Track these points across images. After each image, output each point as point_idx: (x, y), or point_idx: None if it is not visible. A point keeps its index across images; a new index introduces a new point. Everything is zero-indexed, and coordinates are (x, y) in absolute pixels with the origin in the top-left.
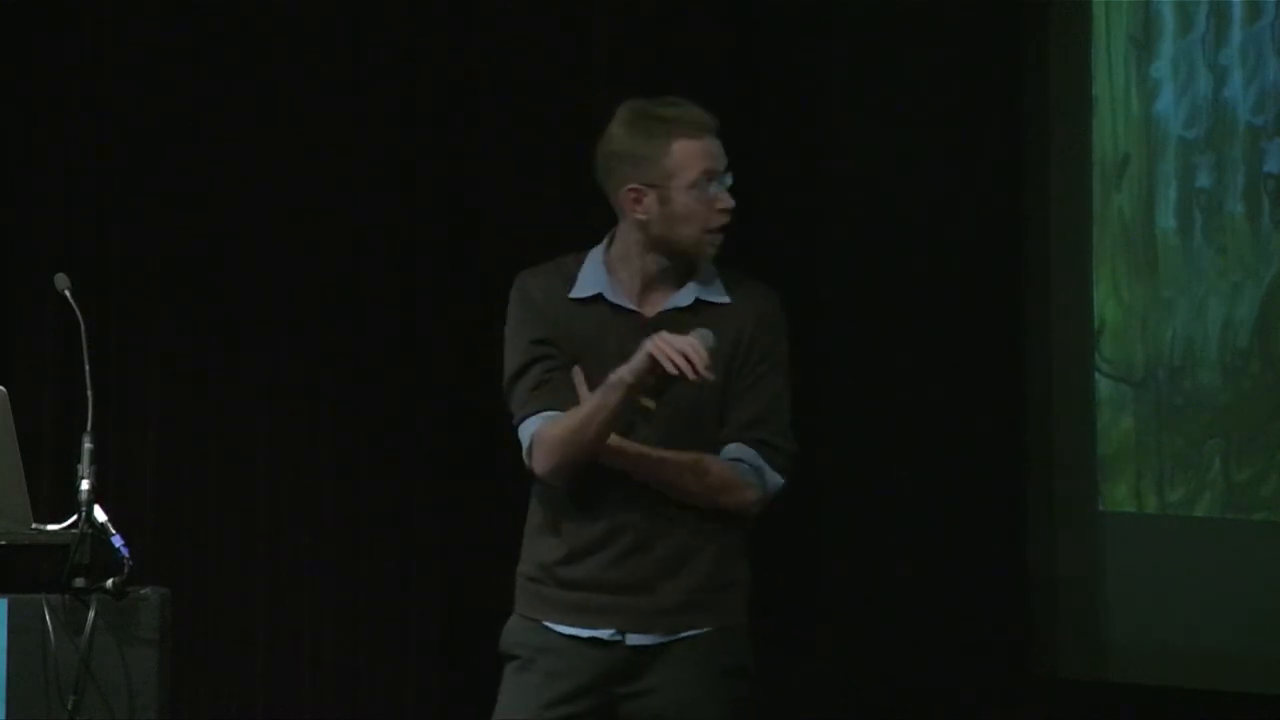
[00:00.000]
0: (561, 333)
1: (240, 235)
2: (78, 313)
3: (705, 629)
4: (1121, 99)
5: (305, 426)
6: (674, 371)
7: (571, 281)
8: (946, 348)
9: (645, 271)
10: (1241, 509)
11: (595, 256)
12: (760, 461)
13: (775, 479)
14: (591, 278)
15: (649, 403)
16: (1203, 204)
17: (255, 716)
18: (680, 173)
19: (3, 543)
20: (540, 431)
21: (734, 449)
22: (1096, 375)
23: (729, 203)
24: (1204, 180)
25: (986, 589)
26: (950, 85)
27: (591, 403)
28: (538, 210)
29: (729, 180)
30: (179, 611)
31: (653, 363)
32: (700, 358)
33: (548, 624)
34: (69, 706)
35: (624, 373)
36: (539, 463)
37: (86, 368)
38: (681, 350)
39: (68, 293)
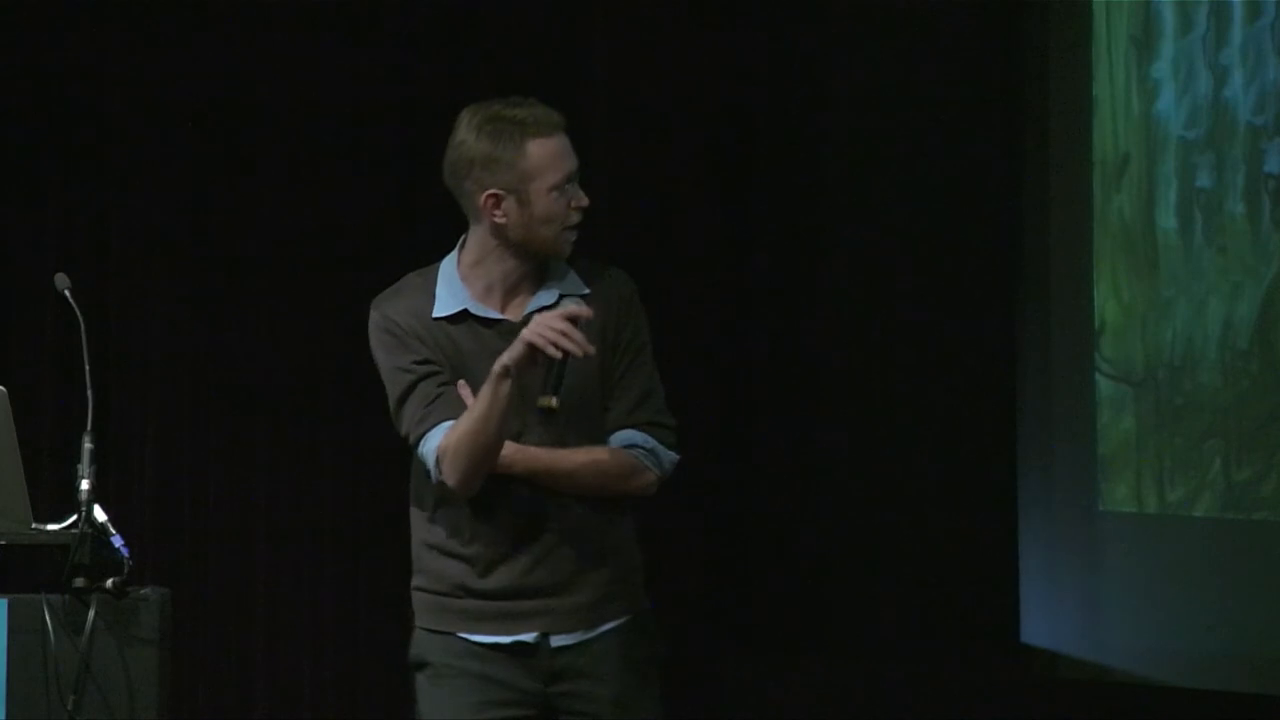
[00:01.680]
0: (437, 352)
1: (240, 235)
2: (78, 313)
3: (622, 618)
4: (1121, 99)
5: (305, 426)
6: (558, 355)
7: (432, 299)
8: (946, 347)
9: (505, 276)
10: (1241, 509)
11: (447, 270)
12: (653, 443)
13: (670, 455)
14: (450, 294)
15: (550, 401)
16: (1203, 204)
17: (255, 717)
18: (539, 175)
19: (3, 543)
20: (445, 442)
21: (626, 435)
22: (1096, 375)
23: (584, 201)
24: (1204, 180)
25: (986, 589)
26: (950, 85)
27: (483, 400)
28: None
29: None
30: (179, 611)
31: (533, 351)
32: (578, 334)
33: (463, 635)
34: (69, 706)
35: (504, 359)
36: (450, 473)
37: (86, 368)
38: (559, 331)
39: (68, 293)
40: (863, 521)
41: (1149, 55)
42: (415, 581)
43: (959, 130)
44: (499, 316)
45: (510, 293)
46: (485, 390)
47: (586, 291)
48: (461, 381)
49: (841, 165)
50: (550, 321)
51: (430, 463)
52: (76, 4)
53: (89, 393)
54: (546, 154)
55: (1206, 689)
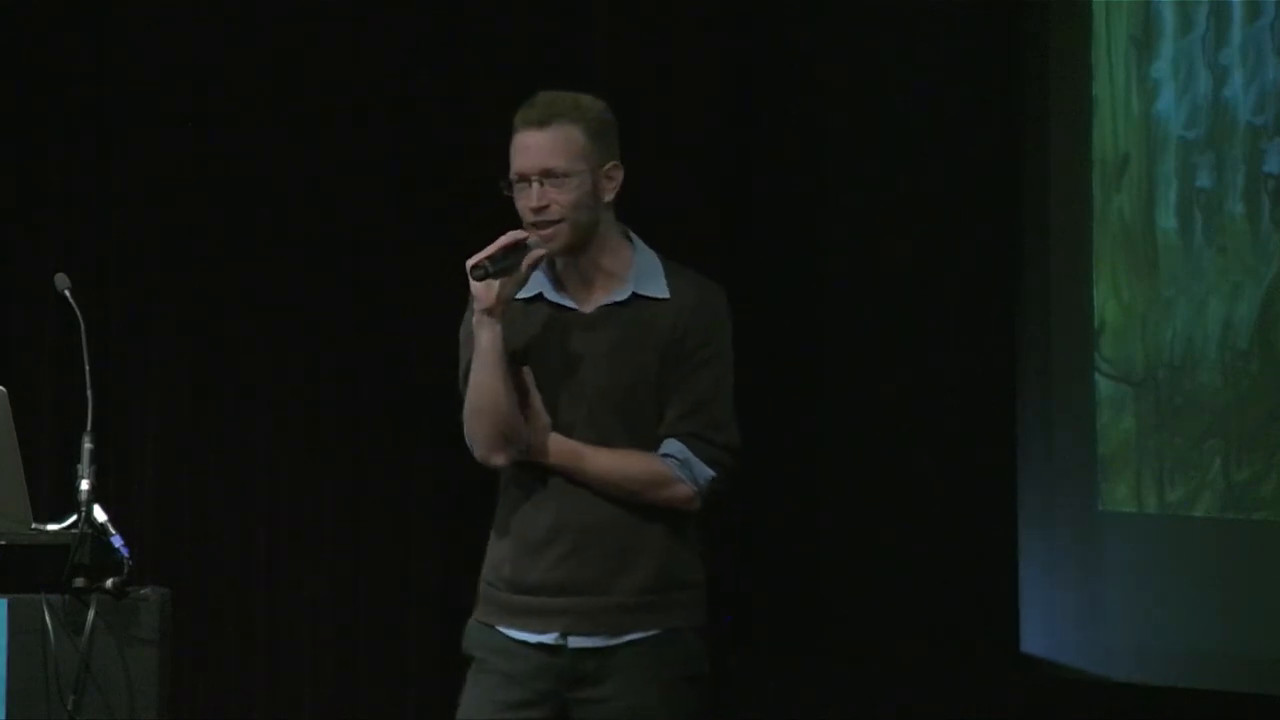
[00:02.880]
0: (508, 329)
1: (241, 235)
2: (78, 313)
3: (652, 631)
4: (1121, 99)
5: (305, 426)
6: (489, 254)
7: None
8: (946, 347)
9: (577, 267)
10: (1241, 509)
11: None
12: (688, 454)
13: (705, 471)
14: (541, 276)
15: (481, 259)
16: (1203, 204)
17: (255, 717)
18: (509, 172)
19: (3, 543)
20: (464, 415)
21: (666, 444)
22: (1096, 375)
23: (531, 202)
24: (1204, 180)
25: (986, 588)
26: (950, 85)
27: (474, 357)
28: None
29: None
30: (179, 611)
31: (477, 270)
32: (506, 239)
33: (500, 628)
34: (69, 706)
35: (474, 309)
36: (474, 446)
37: (86, 368)
38: (490, 248)
39: (68, 293)
40: (862, 521)
41: (1149, 55)
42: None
43: (959, 130)
44: (570, 305)
45: (585, 285)
46: (474, 347)
47: (665, 295)
48: (526, 367)
49: (841, 165)
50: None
51: (465, 435)
52: (76, 3)
53: (89, 393)
54: (512, 149)
55: (1206, 689)
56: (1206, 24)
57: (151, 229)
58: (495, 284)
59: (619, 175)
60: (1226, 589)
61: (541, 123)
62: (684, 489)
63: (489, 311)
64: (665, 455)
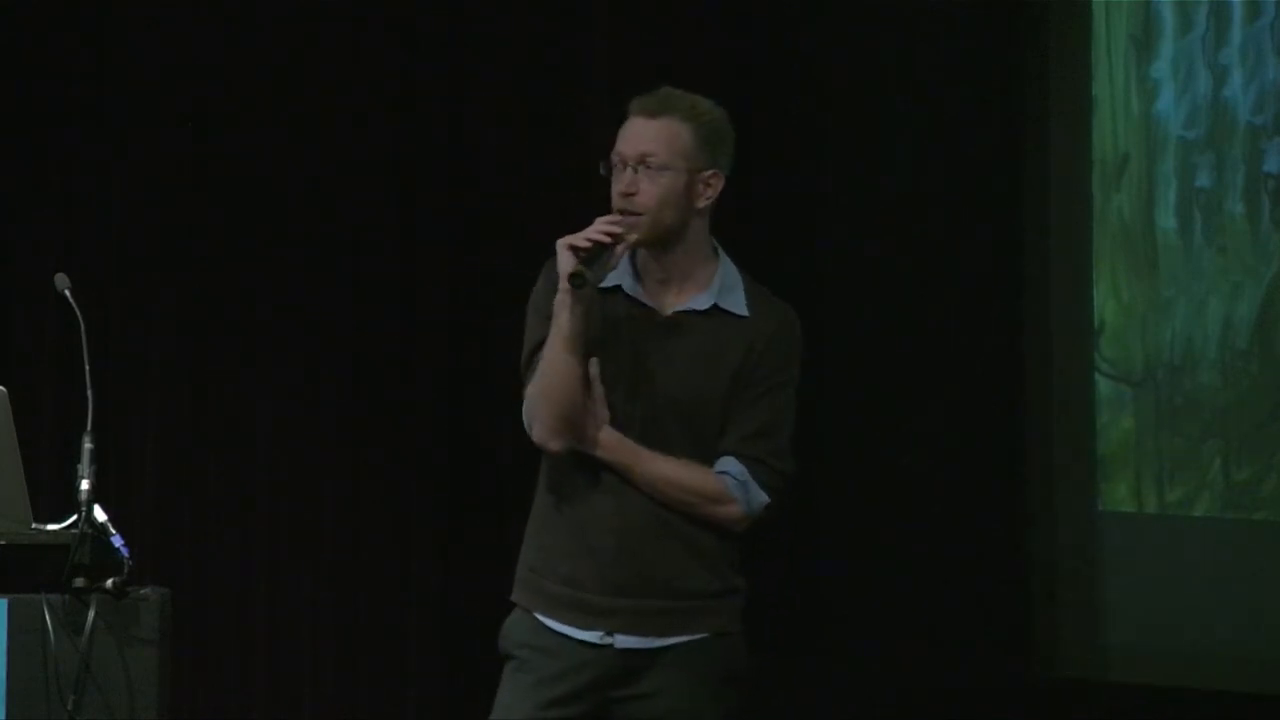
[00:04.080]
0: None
1: (241, 235)
2: (78, 313)
3: (699, 635)
4: (1121, 99)
5: (305, 426)
6: (587, 245)
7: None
8: (946, 347)
9: (659, 266)
10: (1241, 509)
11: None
12: (747, 477)
13: (760, 496)
14: (623, 267)
15: (581, 269)
16: (1203, 204)
17: (255, 717)
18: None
19: (3, 543)
20: (527, 393)
21: (725, 462)
22: (1096, 375)
23: (621, 188)
24: (1204, 180)
25: (986, 588)
26: (950, 86)
27: (550, 335)
28: (541, 211)
29: (638, 166)
30: (179, 611)
31: (570, 256)
32: (603, 226)
33: (540, 616)
34: (69, 706)
35: (560, 288)
36: (532, 426)
37: (86, 368)
38: (587, 231)
39: (68, 293)
40: (862, 521)
41: (1149, 55)
42: (521, 553)
43: (959, 130)
44: (649, 304)
45: (665, 286)
46: (552, 325)
47: (745, 313)
48: (594, 359)
49: (841, 165)
50: (585, 232)
51: (525, 413)
52: (76, 3)
53: (89, 393)
54: (620, 132)
55: (1207, 689)
56: (1206, 24)
57: (151, 229)
58: (566, 252)
59: (718, 184)
60: (1226, 589)
61: (654, 112)
62: (736, 510)
63: (572, 287)
64: (723, 473)
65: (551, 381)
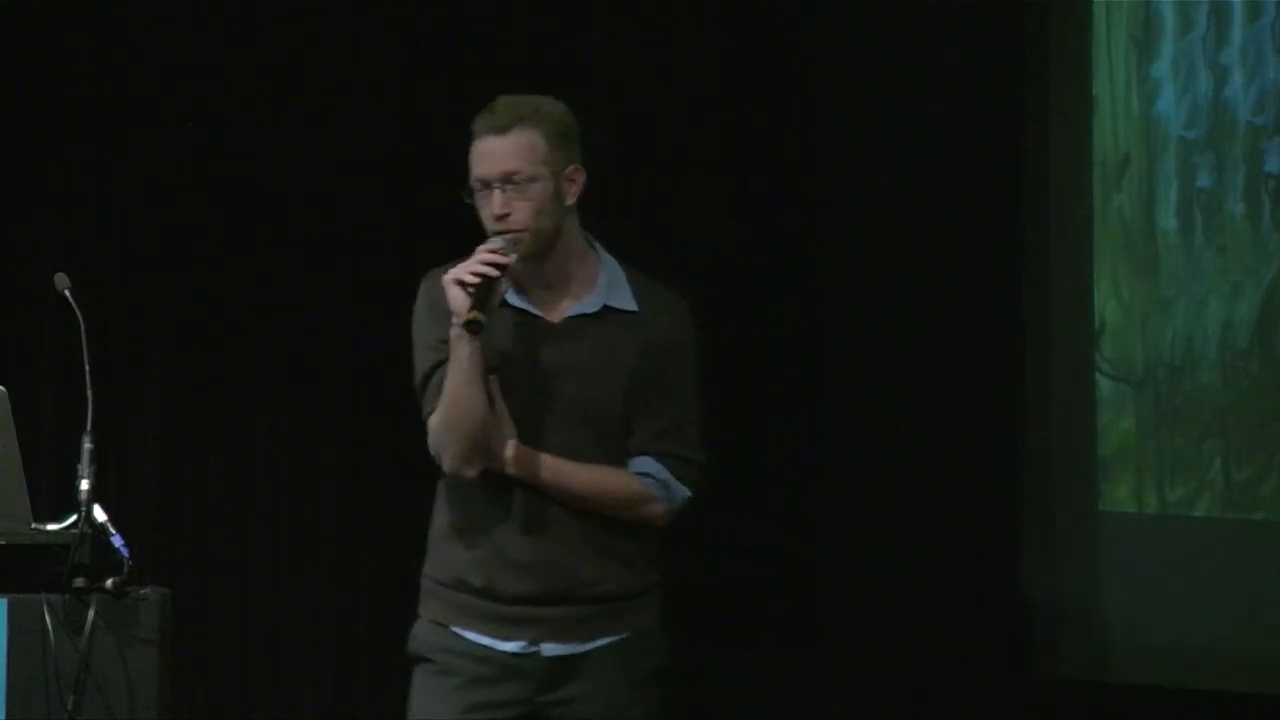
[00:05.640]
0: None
1: (241, 235)
2: (78, 313)
3: (621, 635)
4: (1121, 99)
5: (305, 426)
6: (475, 280)
7: None
8: (946, 347)
9: (542, 274)
10: (1241, 509)
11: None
12: (667, 475)
13: (681, 491)
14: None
15: (475, 315)
16: (1203, 204)
17: (255, 717)
18: (470, 179)
19: (3, 542)
20: (431, 424)
21: (642, 462)
22: (1096, 375)
23: (494, 209)
24: (1204, 180)
25: (986, 588)
26: (950, 86)
27: (448, 370)
28: None
29: (505, 184)
30: (179, 611)
31: (460, 293)
32: (488, 258)
33: (458, 630)
34: (69, 706)
35: (452, 322)
36: (443, 456)
37: (86, 368)
38: (478, 260)
39: (68, 293)
40: (861, 521)
41: (1149, 55)
42: (425, 568)
43: (959, 130)
44: (537, 313)
45: (551, 292)
46: (450, 360)
47: (635, 308)
48: (493, 378)
49: (841, 165)
50: (467, 265)
51: (430, 444)
52: (76, 3)
53: (89, 393)
54: (471, 157)
55: (1207, 689)
56: (1206, 24)
57: (151, 229)
58: (454, 289)
59: (581, 179)
60: (1226, 589)
61: (503, 128)
62: (659, 508)
63: (460, 324)
64: (644, 474)
65: (457, 414)
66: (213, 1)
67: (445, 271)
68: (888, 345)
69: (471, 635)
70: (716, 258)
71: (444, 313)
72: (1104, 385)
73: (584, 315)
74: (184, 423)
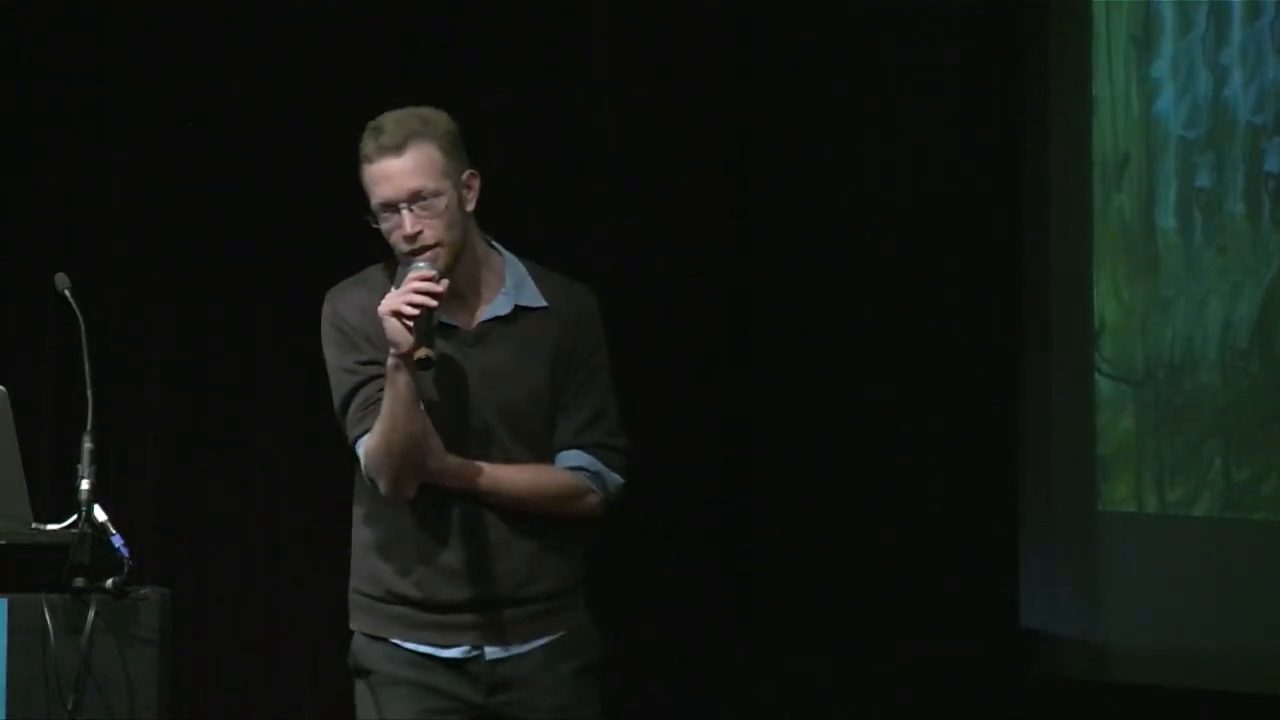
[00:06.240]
0: (383, 352)
1: (241, 235)
2: (78, 313)
3: (560, 633)
4: (1121, 99)
5: (305, 426)
6: (414, 312)
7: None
8: (946, 347)
9: (450, 284)
10: (1241, 509)
11: (405, 267)
12: (599, 466)
13: (615, 479)
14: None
15: (426, 352)
16: (1203, 204)
17: (255, 717)
18: (372, 203)
19: (3, 542)
20: (365, 448)
21: (571, 456)
22: (1096, 375)
23: (405, 230)
24: (1204, 180)
25: (985, 589)
26: (950, 86)
27: (386, 398)
28: (541, 212)
29: (414, 203)
30: (179, 611)
31: (399, 325)
32: (422, 287)
33: (397, 642)
34: (69, 706)
35: (390, 353)
36: (380, 480)
37: (86, 368)
38: (413, 290)
39: (68, 293)
40: (861, 520)
41: (1149, 55)
42: (352, 583)
43: (959, 130)
44: (452, 323)
45: (462, 300)
46: (386, 387)
47: (544, 304)
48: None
49: (841, 165)
50: (402, 295)
51: (363, 467)
52: (76, 3)
53: (89, 393)
54: (369, 181)
55: (1206, 689)
56: (1206, 24)
57: (151, 229)
58: (392, 320)
59: (477, 183)
60: (1226, 589)
61: (398, 147)
62: (594, 499)
63: (406, 357)
64: (576, 468)
65: (398, 439)
66: (213, 1)
67: (345, 292)
68: (887, 345)
69: (411, 645)
70: (716, 258)
71: (357, 335)
72: (1104, 385)
73: (497, 318)
74: (184, 423)
